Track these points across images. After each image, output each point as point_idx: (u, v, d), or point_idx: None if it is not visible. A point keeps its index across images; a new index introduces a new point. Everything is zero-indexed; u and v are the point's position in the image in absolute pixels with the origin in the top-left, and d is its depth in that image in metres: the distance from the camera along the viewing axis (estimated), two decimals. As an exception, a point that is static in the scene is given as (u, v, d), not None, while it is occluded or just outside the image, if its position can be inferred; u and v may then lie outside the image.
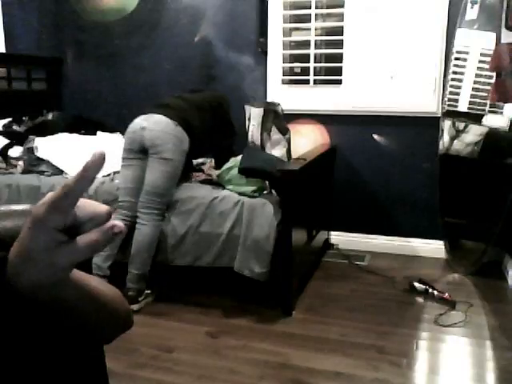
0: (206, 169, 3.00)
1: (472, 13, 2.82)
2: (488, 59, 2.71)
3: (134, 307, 2.38)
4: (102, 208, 0.46)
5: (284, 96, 3.25)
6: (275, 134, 2.81)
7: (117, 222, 0.46)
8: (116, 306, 0.64)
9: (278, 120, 2.83)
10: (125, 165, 2.55)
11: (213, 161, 3.04)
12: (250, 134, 2.82)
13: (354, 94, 3.16)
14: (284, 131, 2.84)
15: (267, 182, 2.55)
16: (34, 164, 2.89)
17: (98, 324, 0.61)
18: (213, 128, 2.72)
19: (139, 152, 2.49)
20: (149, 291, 2.51)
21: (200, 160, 3.11)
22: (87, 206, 0.46)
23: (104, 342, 0.69)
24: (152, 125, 2.47)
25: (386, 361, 2.00)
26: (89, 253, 0.46)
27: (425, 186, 3.16)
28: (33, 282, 0.46)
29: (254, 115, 2.80)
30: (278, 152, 2.78)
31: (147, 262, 2.45)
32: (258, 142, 2.79)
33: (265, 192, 2.54)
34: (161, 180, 2.45)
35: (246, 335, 2.21)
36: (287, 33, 3.32)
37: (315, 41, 3.20)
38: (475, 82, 2.82)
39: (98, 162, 0.44)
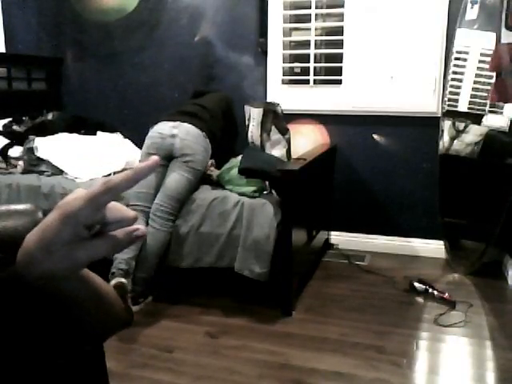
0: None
1: (472, 13, 2.82)
2: (488, 59, 2.71)
3: (135, 308, 2.38)
4: (130, 213, 0.47)
5: (284, 96, 3.25)
6: (275, 134, 2.81)
7: (141, 226, 0.47)
8: (114, 306, 0.65)
9: (278, 120, 2.82)
10: None
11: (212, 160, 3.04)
12: (249, 134, 2.82)
13: (354, 94, 3.16)
14: (284, 131, 2.84)
15: (267, 182, 2.55)
16: (34, 164, 2.89)
17: (95, 321, 0.62)
18: (223, 131, 2.75)
19: (163, 159, 2.49)
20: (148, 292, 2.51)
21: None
22: (116, 208, 0.47)
23: (98, 339, 0.69)
24: (184, 134, 2.50)
25: (386, 361, 2.00)
26: (109, 252, 0.46)
27: (425, 186, 3.16)
28: (47, 272, 0.47)
29: (254, 115, 2.80)
30: (277, 152, 2.78)
31: (155, 267, 2.44)
32: (258, 142, 2.79)
33: (265, 192, 2.54)
34: (183, 187, 2.46)
35: (245, 335, 2.21)
36: (287, 33, 3.32)
37: (315, 41, 3.20)
38: (475, 82, 2.81)
39: (151, 167, 0.45)
